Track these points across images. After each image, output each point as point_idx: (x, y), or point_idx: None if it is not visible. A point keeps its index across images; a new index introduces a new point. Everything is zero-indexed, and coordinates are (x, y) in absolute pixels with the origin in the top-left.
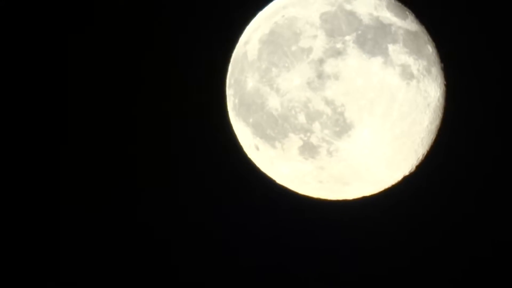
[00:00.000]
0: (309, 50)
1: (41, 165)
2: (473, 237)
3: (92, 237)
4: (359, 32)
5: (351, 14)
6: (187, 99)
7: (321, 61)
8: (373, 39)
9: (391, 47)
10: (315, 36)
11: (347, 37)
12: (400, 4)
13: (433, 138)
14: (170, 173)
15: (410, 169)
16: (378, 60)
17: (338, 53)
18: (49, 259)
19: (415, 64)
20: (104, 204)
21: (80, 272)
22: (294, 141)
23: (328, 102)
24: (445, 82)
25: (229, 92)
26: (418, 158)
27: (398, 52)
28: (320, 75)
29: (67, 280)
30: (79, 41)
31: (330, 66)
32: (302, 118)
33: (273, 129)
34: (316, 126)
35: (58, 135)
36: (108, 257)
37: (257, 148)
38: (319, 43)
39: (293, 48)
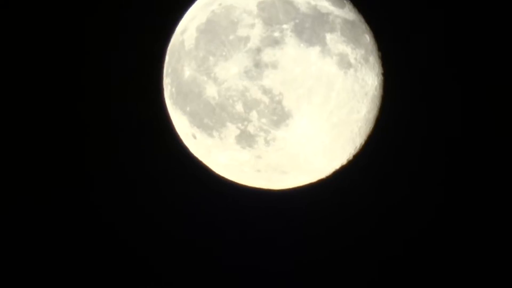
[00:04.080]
0: (247, 39)
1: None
2: (407, 225)
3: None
4: (297, 21)
5: (289, 3)
6: (124, 88)
7: (258, 50)
8: (310, 28)
9: (328, 36)
10: (252, 25)
11: (285, 26)
12: None
13: (371, 128)
14: (107, 161)
15: (347, 158)
16: (315, 49)
17: (275, 42)
18: None
19: (353, 53)
20: (47, 191)
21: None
22: (232, 130)
23: (266, 91)
24: (382, 71)
25: (166, 81)
26: (356, 147)
27: (335, 41)
28: (258, 64)
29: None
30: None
31: (267, 55)
32: (239, 107)
33: (211, 118)
34: (254, 115)
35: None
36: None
37: (194, 137)
38: (256, 32)
39: (231, 37)
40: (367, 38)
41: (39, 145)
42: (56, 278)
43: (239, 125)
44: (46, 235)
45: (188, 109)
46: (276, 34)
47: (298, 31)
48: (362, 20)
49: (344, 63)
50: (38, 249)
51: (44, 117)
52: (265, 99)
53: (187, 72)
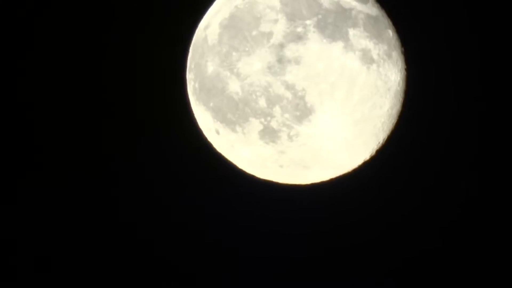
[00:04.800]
0: (270, 34)
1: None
2: (431, 222)
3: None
4: (320, 16)
5: None
6: (148, 84)
7: (281, 46)
8: (333, 23)
9: (351, 32)
10: (275, 21)
11: (308, 22)
12: None
13: (394, 123)
14: (131, 156)
15: (370, 153)
16: (338, 45)
17: (298, 38)
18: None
19: (376, 49)
20: (69, 184)
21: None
22: (255, 125)
23: (289, 87)
24: (405, 67)
25: (189, 76)
26: (379, 143)
27: (358, 37)
28: (281, 60)
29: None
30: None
31: (290, 51)
32: (262, 103)
33: (234, 113)
34: (277, 110)
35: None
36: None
37: (218, 133)
38: (279, 28)
39: (254, 32)
40: (390, 33)
41: (66, 139)
42: (74, 267)
43: (262, 120)
44: (63, 227)
45: (211, 104)
46: (299, 29)
47: (321, 27)
48: (385, 15)
49: (367, 58)
50: (60, 239)
51: (68, 113)
52: (288, 95)
53: (211, 67)
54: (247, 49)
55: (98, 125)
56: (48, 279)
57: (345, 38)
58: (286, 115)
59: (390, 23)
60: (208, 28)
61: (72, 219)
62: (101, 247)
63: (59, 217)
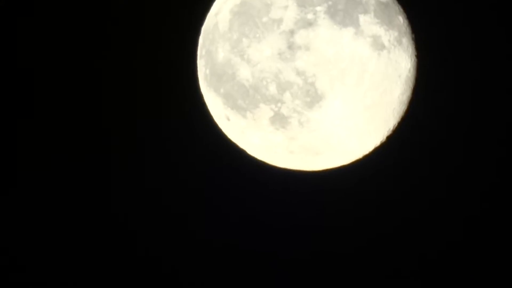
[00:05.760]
0: (280, 21)
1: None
2: (443, 209)
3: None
4: (330, 2)
5: None
6: (158, 70)
7: (292, 32)
8: (344, 9)
9: (362, 18)
10: (286, 7)
11: (318, 8)
12: None
13: (405, 110)
14: (141, 141)
15: (381, 139)
16: (349, 31)
17: (309, 24)
18: None
19: (386, 35)
20: (78, 177)
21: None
22: (265, 111)
23: (299, 73)
24: (416, 53)
25: (200, 62)
26: (389, 129)
27: (369, 23)
28: (291, 46)
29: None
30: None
31: (300, 37)
32: (273, 89)
33: (244, 99)
34: (287, 96)
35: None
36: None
37: (228, 119)
38: (290, 14)
39: (264, 19)
40: (401, 19)
41: (75, 135)
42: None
43: (273, 106)
44: (69, 207)
45: (222, 90)
46: (310, 16)
47: (332, 13)
48: (396, 1)
49: (378, 44)
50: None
51: (76, 100)
52: (299, 81)
53: (221, 53)
54: (257, 35)
55: (108, 111)
56: (54, 261)
57: (355, 24)
58: (297, 101)
59: (401, 9)
60: (219, 14)
61: (75, 203)
62: (110, 230)
63: (64, 197)
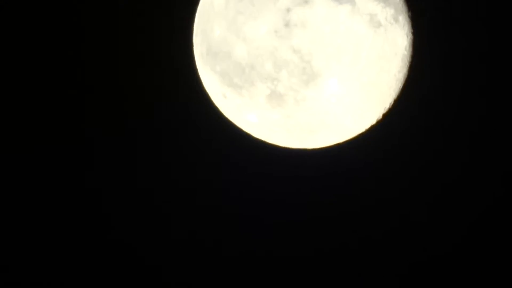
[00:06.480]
0: None
1: None
2: (435, 186)
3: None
4: None
5: None
6: (154, 48)
7: (288, 10)
8: None
9: None
10: None
11: None
12: None
13: (401, 88)
14: (140, 120)
15: (377, 117)
16: (345, 8)
17: (305, 2)
18: None
19: (383, 13)
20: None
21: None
22: (261, 89)
23: (295, 51)
24: (412, 31)
25: (196, 41)
26: (386, 107)
27: (365, 1)
28: (287, 24)
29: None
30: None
31: (296, 15)
32: (269, 67)
33: (240, 77)
34: (283, 74)
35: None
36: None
37: (225, 97)
38: None
39: None
40: None
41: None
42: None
43: (269, 84)
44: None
45: (218, 68)
46: None
47: None
48: None
49: (374, 22)
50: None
51: (79, 85)
52: (295, 59)
53: (217, 31)
54: (253, 13)
55: (104, 90)
56: (59, 248)
57: (352, 2)
58: (293, 79)
59: None
60: None
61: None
62: (113, 207)
63: (75, 175)
